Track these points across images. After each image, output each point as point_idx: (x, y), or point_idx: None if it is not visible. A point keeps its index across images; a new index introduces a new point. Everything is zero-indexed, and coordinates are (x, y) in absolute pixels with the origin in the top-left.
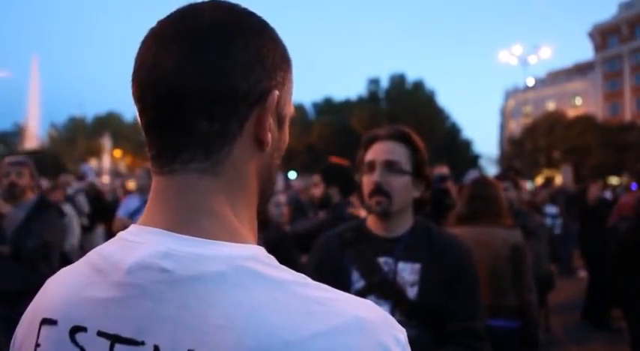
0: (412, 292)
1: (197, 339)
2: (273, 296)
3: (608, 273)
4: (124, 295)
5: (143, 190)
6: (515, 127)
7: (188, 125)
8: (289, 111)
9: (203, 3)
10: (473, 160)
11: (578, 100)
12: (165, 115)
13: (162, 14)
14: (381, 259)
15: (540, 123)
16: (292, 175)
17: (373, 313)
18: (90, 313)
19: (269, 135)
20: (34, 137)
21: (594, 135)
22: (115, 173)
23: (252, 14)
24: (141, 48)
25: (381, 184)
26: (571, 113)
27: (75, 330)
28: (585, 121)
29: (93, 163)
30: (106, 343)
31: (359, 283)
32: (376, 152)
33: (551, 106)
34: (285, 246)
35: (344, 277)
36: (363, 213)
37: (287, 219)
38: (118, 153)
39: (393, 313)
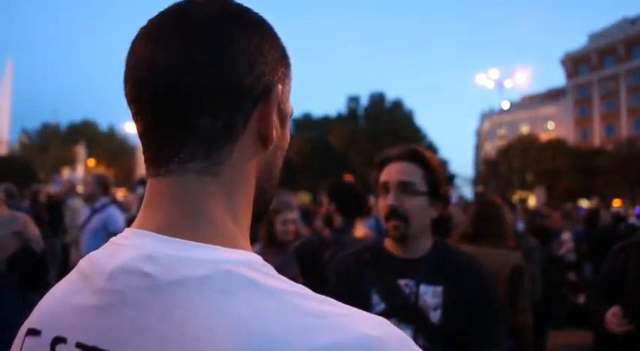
0: (435, 316)
1: None
2: (265, 305)
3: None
4: (104, 303)
5: (91, 199)
6: (491, 148)
7: (190, 123)
8: (289, 109)
9: None
10: (449, 179)
11: (551, 125)
12: (165, 113)
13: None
14: (402, 282)
15: (514, 145)
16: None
17: (385, 332)
18: (71, 322)
19: (274, 131)
20: (3, 143)
21: (565, 159)
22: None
23: (249, 9)
24: (133, 47)
25: (396, 208)
26: (544, 137)
27: (56, 341)
28: (557, 145)
29: (65, 172)
30: None
31: (379, 306)
32: (390, 173)
33: (524, 129)
34: (317, 259)
35: (364, 300)
36: (360, 232)
37: (294, 237)
38: (91, 162)
39: (415, 338)
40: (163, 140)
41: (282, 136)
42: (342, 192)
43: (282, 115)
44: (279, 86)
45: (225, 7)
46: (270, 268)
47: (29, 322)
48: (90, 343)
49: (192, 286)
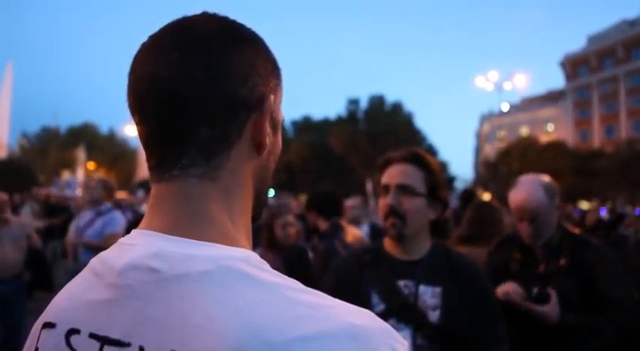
0: (434, 316)
1: (179, 339)
2: (260, 297)
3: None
4: (115, 297)
5: (95, 203)
6: (490, 150)
7: (190, 132)
8: (281, 116)
9: (195, 16)
10: (449, 181)
11: (550, 127)
12: (166, 123)
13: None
14: (401, 283)
15: (514, 147)
16: (270, 192)
17: (370, 322)
18: (85, 315)
19: (267, 139)
20: (3, 146)
21: (565, 160)
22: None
23: (243, 25)
24: (135, 61)
25: (394, 207)
26: (543, 139)
27: (70, 333)
28: (557, 147)
29: (65, 175)
30: (97, 345)
31: (379, 306)
32: (390, 176)
33: (524, 131)
34: (303, 263)
35: (364, 300)
36: (352, 234)
37: (295, 240)
38: (91, 165)
39: (414, 338)
40: (166, 148)
41: (275, 142)
42: (317, 197)
43: (275, 123)
44: (271, 96)
45: (221, 24)
46: (265, 264)
47: (44, 317)
48: (102, 333)
49: (194, 280)
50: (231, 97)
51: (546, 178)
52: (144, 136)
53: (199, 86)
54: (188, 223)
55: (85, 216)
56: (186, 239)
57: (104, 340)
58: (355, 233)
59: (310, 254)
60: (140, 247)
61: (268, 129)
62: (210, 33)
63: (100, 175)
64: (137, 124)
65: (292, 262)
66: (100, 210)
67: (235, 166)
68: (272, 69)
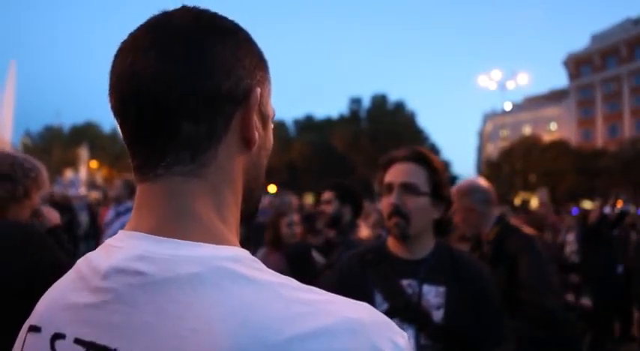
0: (437, 316)
1: (173, 345)
2: (255, 297)
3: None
4: (100, 301)
5: (118, 201)
6: (493, 149)
7: (174, 130)
8: (271, 111)
9: (175, 10)
10: (451, 181)
11: (553, 126)
12: (149, 123)
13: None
14: (405, 282)
15: (517, 146)
16: (272, 189)
17: (368, 315)
18: (70, 319)
19: (256, 133)
20: (7, 145)
21: (568, 160)
22: (92, 185)
23: (224, 17)
24: (115, 61)
25: (398, 206)
26: (546, 138)
27: (55, 337)
28: (560, 146)
29: (68, 173)
30: (82, 350)
31: (382, 306)
32: (394, 174)
33: (527, 130)
34: (307, 260)
35: (367, 300)
36: (365, 232)
37: (299, 239)
38: (94, 164)
39: (418, 337)
40: (149, 148)
41: (265, 137)
42: (354, 193)
43: (264, 117)
44: (258, 89)
45: (200, 17)
46: (258, 263)
47: (30, 319)
48: (88, 339)
49: (186, 283)
50: (215, 91)
51: (469, 182)
52: (127, 136)
53: (180, 83)
54: (175, 222)
55: (108, 215)
56: (173, 239)
57: (90, 346)
58: (366, 231)
59: (317, 256)
60: (125, 249)
61: (257, 123)
62: (189, 27)
63: (103, 173)
64: (120, 124)
65: (296, 260)
66: (118, 210)
67: (223, 163)
68: (258, 62)
